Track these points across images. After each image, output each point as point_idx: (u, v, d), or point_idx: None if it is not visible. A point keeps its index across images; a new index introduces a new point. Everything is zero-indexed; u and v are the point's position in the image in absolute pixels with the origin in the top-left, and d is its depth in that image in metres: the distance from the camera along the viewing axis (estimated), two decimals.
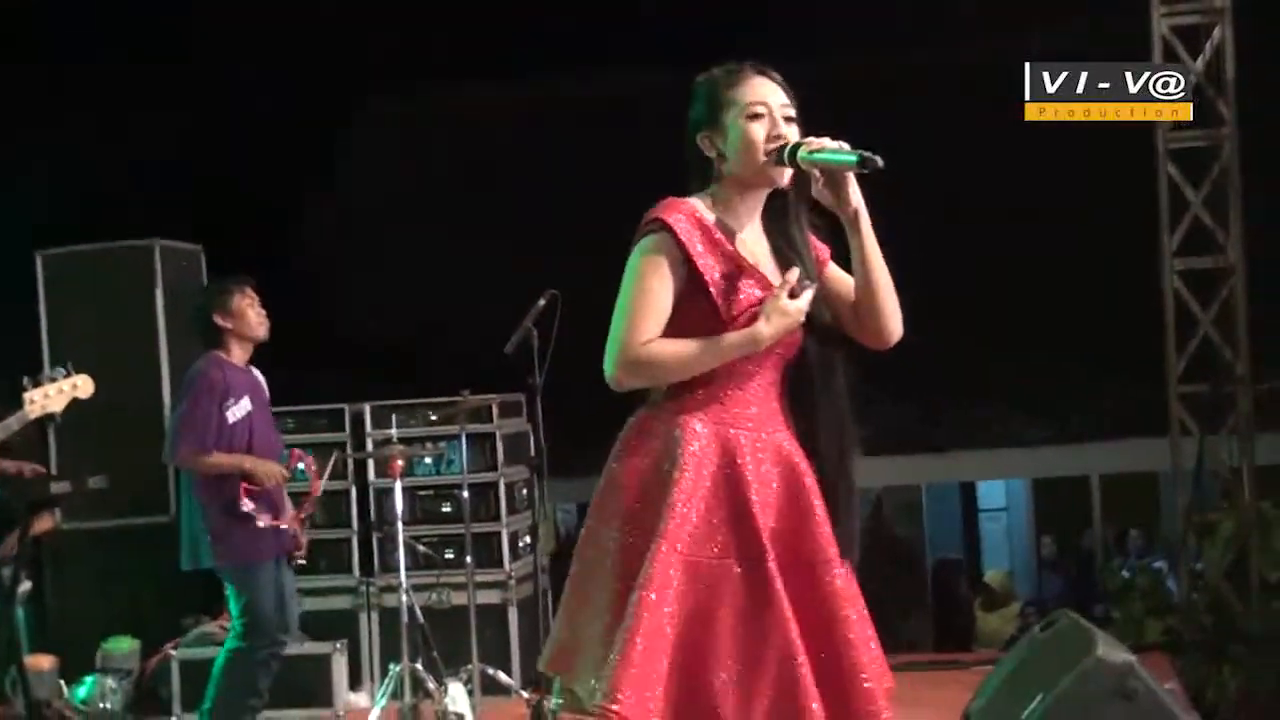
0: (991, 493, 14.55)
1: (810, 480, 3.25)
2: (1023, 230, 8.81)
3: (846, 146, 3.14)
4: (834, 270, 3.38)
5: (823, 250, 3.37)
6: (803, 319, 3.17)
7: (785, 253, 3.30)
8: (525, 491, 7.87)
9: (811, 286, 3.18)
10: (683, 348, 3.17)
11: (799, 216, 3.32)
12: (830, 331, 3.32)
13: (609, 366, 3.19)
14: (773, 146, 3.21)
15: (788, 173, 3.23)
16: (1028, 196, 8.77)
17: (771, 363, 3.27)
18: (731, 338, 3.17)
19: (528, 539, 7.80)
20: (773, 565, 3.13)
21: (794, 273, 3.17)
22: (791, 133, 3.23)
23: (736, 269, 3.22)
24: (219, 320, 6.05)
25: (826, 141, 3.16)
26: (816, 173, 3.17)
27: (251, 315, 6.05)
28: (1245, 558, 7.57)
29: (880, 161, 3.07)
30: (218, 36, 9.09)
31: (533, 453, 6.86)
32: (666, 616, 3.06)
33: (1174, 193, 7.61)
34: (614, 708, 3.00)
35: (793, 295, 3.15)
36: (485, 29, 8.95)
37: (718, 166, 3.28)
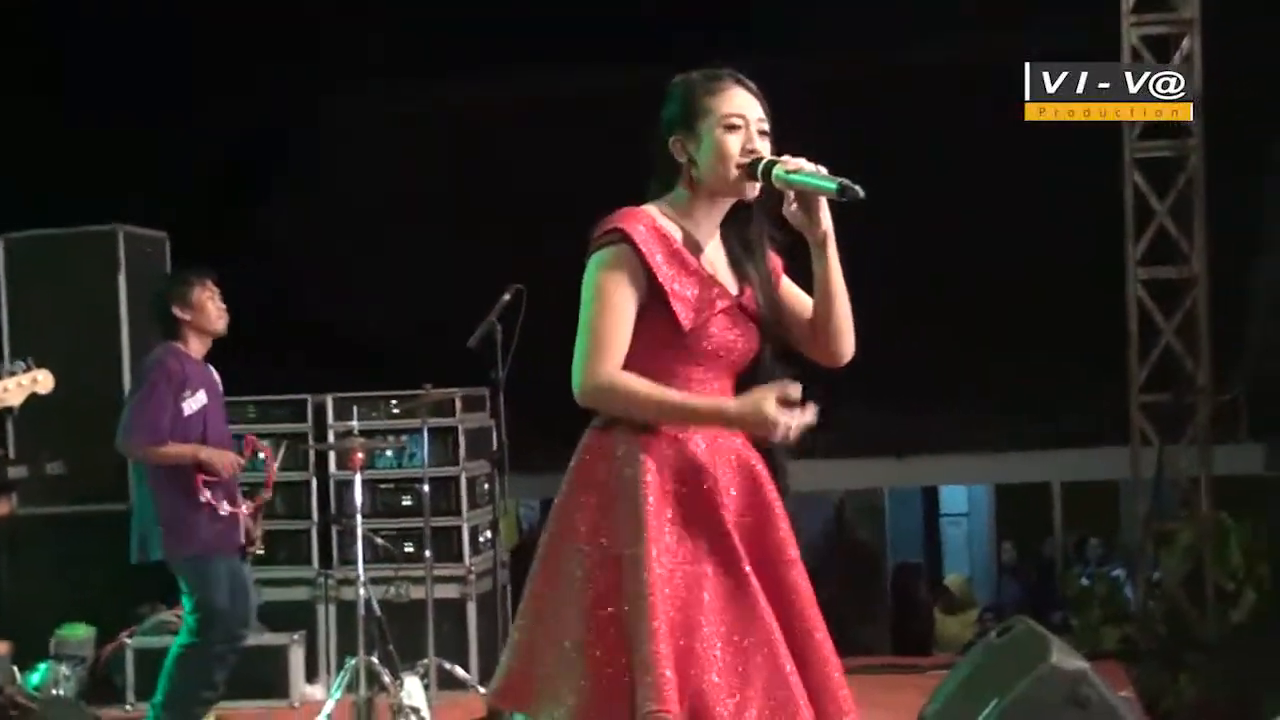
0: (954, 498, 14.60)
1: (768, 481, 3.26)
2: (989, 237, 8.84)
3: (824, 171, 3.13)
4: (788, 285, 3.38)
5: (777, 263, 3.37)
6: (774, 437, 3.08)
7: (743, 264, 3.30)
8: (487, 486, 7.85)
9: (806, 419, 3.07)
10: (649, 396, 3.13)
11: (760, 230, 3.32)
12: (783, 343, 3.33)
13: (576, 384, 3.17)
14: (745, 161, 3.19)
15: (756, 186, 3.22)
16: (995, 203, 8.80)
17: (727, 371, 3.27)
18: (700, 407, 3.15)
19: (488, 534, 7.80)
20: (749, 568, 3.14)
21: (795, 388, 3.10)
22: (764, 147, 3.22)
23: (697, 280, 3.21)
24: (177, 312, 6.00)
25: (804, 163, 3.14)
26: (791, 193, 3.17)
27: (211, 309, 6.01)
28: (1202, 567, 7.62)
29: (861, 192, 3.05)
30: (196, 28, 9.06)
31: (494, 448, 6.84)
32: (665, 625, 3.04)
33: (1140, 202, 7.65)
34: (664, 708, 2.98)
35: (789, 403, 3.07)
36: (459, 24, 8.92)
37: (686, 171, 3.26)
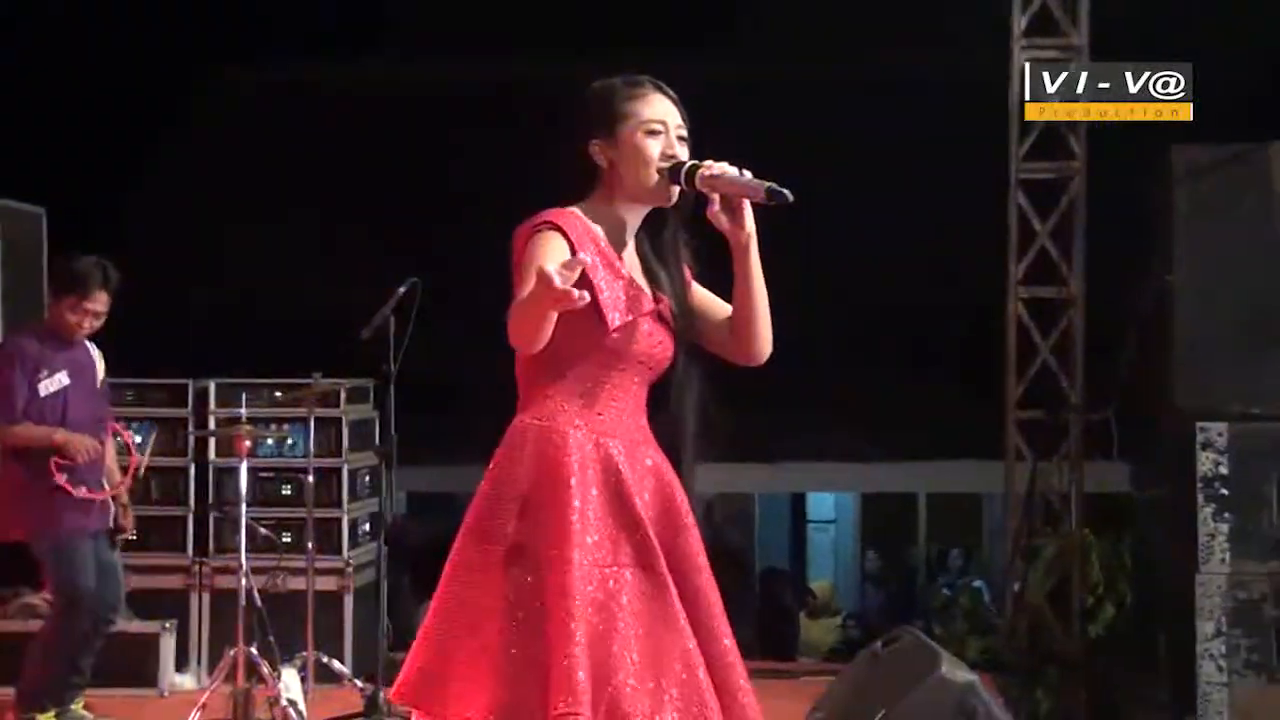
0: (821, 504, 14.75)
1: (679, 490, 3.28)
2: (872, 247, 8.94)
3: (749, 174, 3.15)
4: (698, 289, 3.40)
5: (685, 270, 3.38)
6: (553, 292, 2.82)
7: (656, 271, 3.31)
8: (368, 479, 7.78)
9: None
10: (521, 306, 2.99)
11: (675, 237, 3.33)
12: (695, 346, 3.35)
13: None
14: (667, 165, 3.20)
15: (675, 191, 3.23)
16: (880, 213, 8.90)
17: (644, 378, 3.28)
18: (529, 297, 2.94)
19: (368, 527, 7.73)
20: (665, 571, 3.15)
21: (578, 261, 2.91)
22: (683, 153, 3.24)
23: (624, 283, 3.22)
24: (47, 302, 6.08)
25: (728, 167, 3.16)
26: (715, 196, 3.18)
27: (67, 322, 5.96)
28: (1067, 582, 7.78)
29: (790, 196, 3.06)
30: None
31: (379, 441, 6.78)
32: (582, 628, 3.03)
33: (1023, 222, 7.80)
34: (575, 710, 2.97)
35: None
36: (354, 4, 8.85)
37: (606, 176, 3.26)
